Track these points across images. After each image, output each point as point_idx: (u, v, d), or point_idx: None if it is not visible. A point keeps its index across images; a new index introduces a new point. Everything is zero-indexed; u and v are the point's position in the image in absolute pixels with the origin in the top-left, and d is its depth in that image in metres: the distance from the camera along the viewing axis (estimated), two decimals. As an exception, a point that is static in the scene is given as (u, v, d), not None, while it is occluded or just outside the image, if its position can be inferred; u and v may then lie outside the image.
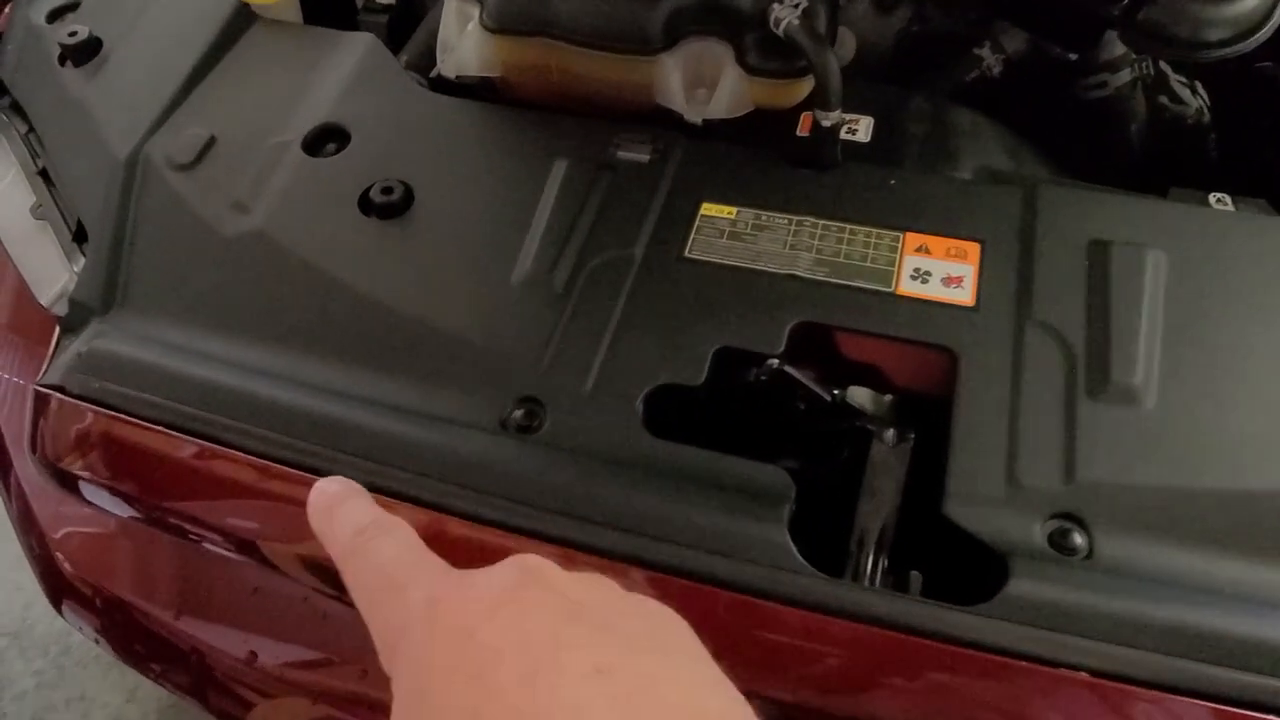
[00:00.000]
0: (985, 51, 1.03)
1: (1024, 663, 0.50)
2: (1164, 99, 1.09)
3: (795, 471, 0.62)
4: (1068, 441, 0.61)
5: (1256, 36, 0.83)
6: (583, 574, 0.34)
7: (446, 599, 0.32)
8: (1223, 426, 0.61)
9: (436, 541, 0.62)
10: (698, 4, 0.81)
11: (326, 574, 0.69)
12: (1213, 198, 0.79)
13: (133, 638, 0.91)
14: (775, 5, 0.78)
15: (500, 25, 0.84)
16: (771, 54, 0.80)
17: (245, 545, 0.71)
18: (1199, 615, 0.53)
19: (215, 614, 0.86)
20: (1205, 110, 1.09)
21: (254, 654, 0.85)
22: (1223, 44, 0.83)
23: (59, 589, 0.92)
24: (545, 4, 0.83)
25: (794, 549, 0.56)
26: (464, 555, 0.61)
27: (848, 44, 1.11)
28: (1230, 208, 0.78)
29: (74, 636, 1.54)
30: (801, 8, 0.78)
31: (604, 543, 0.57)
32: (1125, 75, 1.03)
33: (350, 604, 0.37)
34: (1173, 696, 0.50)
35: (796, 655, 0.54)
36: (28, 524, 0.94)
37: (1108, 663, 0.51)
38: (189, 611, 0.86)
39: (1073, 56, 1.02)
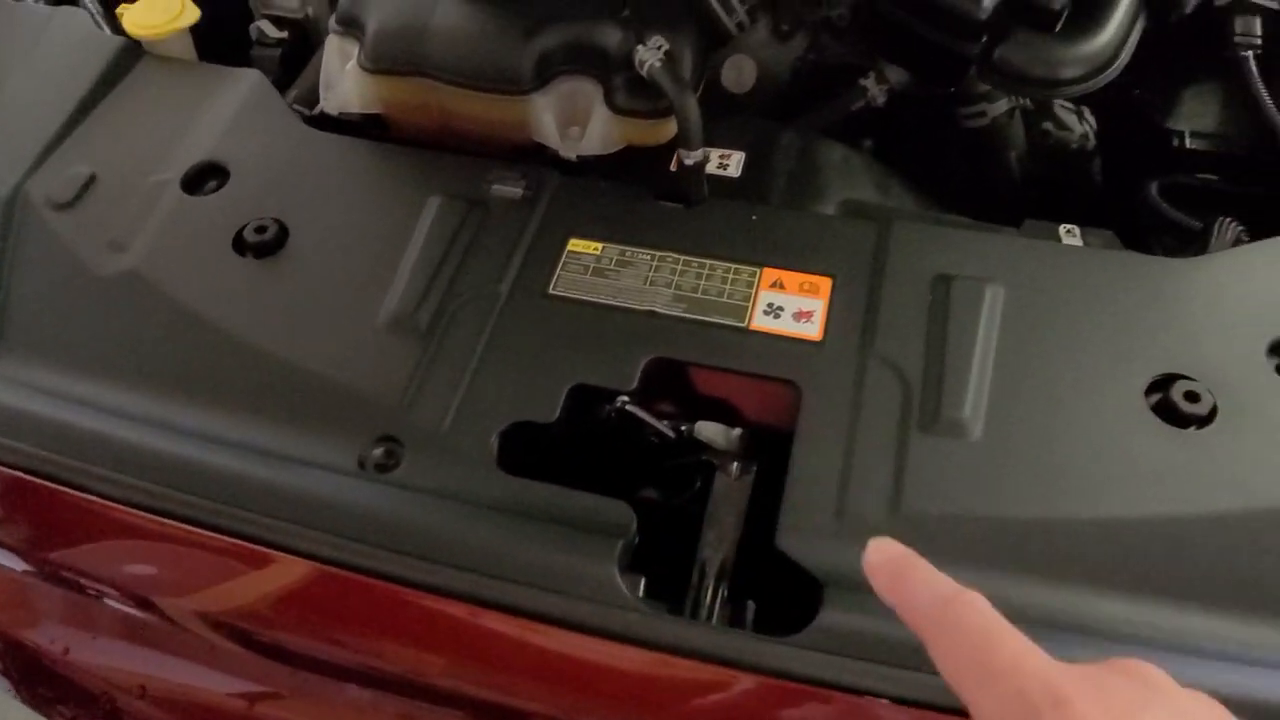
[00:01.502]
0: (870, 82, 1.06)
1: (829, 690, 0.53)
2: (1049, 125, 1.13)
3: (649, 505, 0.64)
4: (897, 474, 0.63)
5: (1107, 73, 0.87)
6: (1197, 694, 0.35)
7: (1075, 703, 0.32)
8: (1044, 457, 0.64)
9: (292, 586, 0.64)
10: (566, 45, 0.83)
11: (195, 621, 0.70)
12: (1063, 229, 0.83)
13: (35, 681, 0.91)
14: (639, 48, 0.81)
15: (377, 65, 0.86)
16: (638, 94, 0.83)
17: (120, 594, 0.72)
18: None
19: (102, 653, 0.86)
20: (1090, 136, 1.12)
21: (143, 688, 0.86)
22: (1076, 81, 0.87)
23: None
24: (420, 44, 0.84)
25: (620, 583, 0.58)
26: (317, 597, 0.64)
27: (747, 72, 1.14)
28: (1078, 240, 0.82)
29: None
30: (664, 50, 0.80)
31: (440, 581, 0.59)
32: (1002, 105, 1.06)
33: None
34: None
35: (616, 689, 0.56)
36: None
37: (910, 689, 0.53)
38: (93, 650, 0.87)
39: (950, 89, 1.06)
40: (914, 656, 0.54)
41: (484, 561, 0.60)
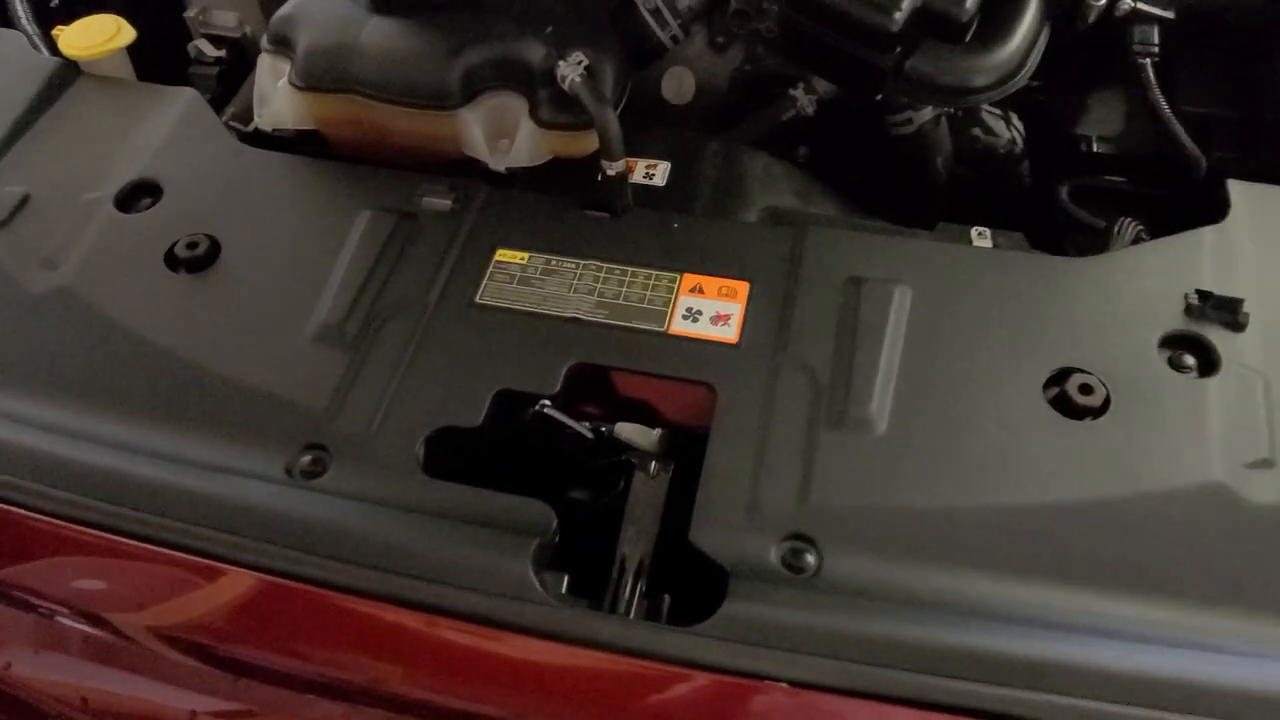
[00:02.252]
0: (799, 92, 1.10)
1: (728, 677, 0.55)
2: (976, 131, 1.16)
3: (574, 506, 0.66)
4: (805, 468, 0.66)
5: (1014, 81, 0.91)
6: None
7: None
8: (946, 450, 0.67)
9: (223, 592, 0.65)
10: (492, 61, 0.86)
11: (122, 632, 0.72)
12: (975, 231, 0.86)
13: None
14: (561, 63, 0.83)
15: (307, 82, 0.88)
16: (562, 108, 0.85)
17: (43, 605, 0.73)
18: (907, 626, 0.58)
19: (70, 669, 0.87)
20: (1018, 140, 1.16)
21: (85, 700, 0.86)
22: (985, 89, 0.90)
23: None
24: (350, 62, 0.87)
25: (533, 578, 0.60)
26: (246, 602, 0.65)
27: (687, 83, 1.17)
28: (988, 242, 0.85)
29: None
30: (584, 65, 0.83)
31: (362, 583, 0.61)
32: (928, 112, 1.10)
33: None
34: (864, 701, 0.55)
35: (526, 680, 0.58)
36: None
37: (809, 674, 0.55)
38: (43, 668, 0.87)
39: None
40: (810, 642, 0.57)
41: (405, 562, 0.62)
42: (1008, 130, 1.16)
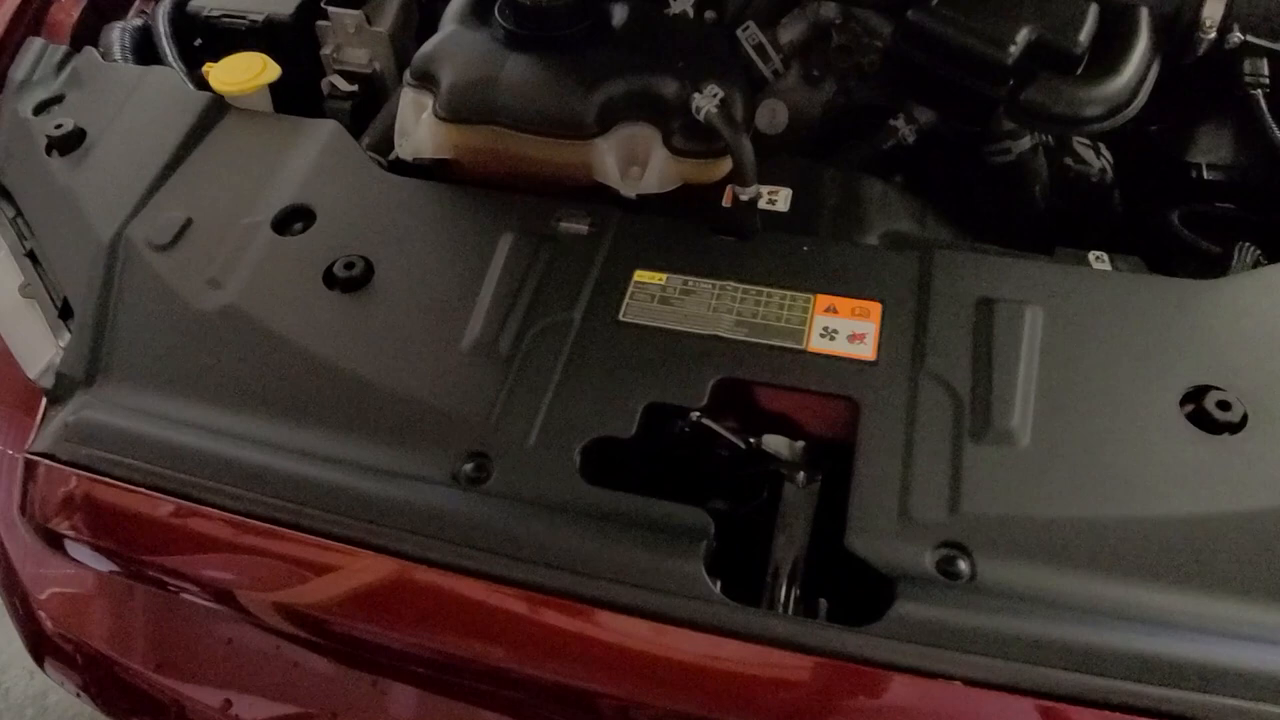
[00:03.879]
0: (900, 122, 1.14)
1: (906, 675, 0.58)
2: (1068, 160, 1.19)
3: (719, 512, 0.69)
4: (953, 479, 0.69)
5: (1127, 112, 0.94)
6: None
7: None
8: (1088, 462, 0.69)
9: (396, 586, 0.69)
10: (627, 94, 0.90)
11: (299, 621, 0.76)
12: (1092, 256, 0.89)
13: (113, 692, 0.96)
14: (696, 95, 0.88)
15: (452, 115, 0.93)
16: (694, 137, 0.90)
17: (222, 596, 0.77)
18: (1065, 629, 0.61)
19: (192, 667, 0.91)
20: (1108, 169, 1.19)
21: (228, 702, 0.91)
22: (1097, 119, 0.94)
23: (40, 647, 0.98)
24: (492, 95, 0.92)
25: (707, 579, 0.63)
26: (422, 598, 0.69)
27: (780, 114, 1.21)
28: (1107, 265, 0.88)
29: (50, 697, 1.57)
30: (719, 97, 0.87)
31: (540, 580, 0.64)
32: (1026, 142, 1.13)
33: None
34: (1033, 700, 0.57)
35: (706, 676, 0.61)
36: (11, 585, 0.99)
37: (981, 673, 0.58)
38: (167, 665, 0.92)
39: (976, 128, 1.13)
40: (978, 643, 0.59)
41: (578, 561, 0.65)
42: (1098, 159, 1.19)
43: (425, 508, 0.71)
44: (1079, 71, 0.94)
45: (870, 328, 0.79)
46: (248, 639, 0.88)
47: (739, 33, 1.13)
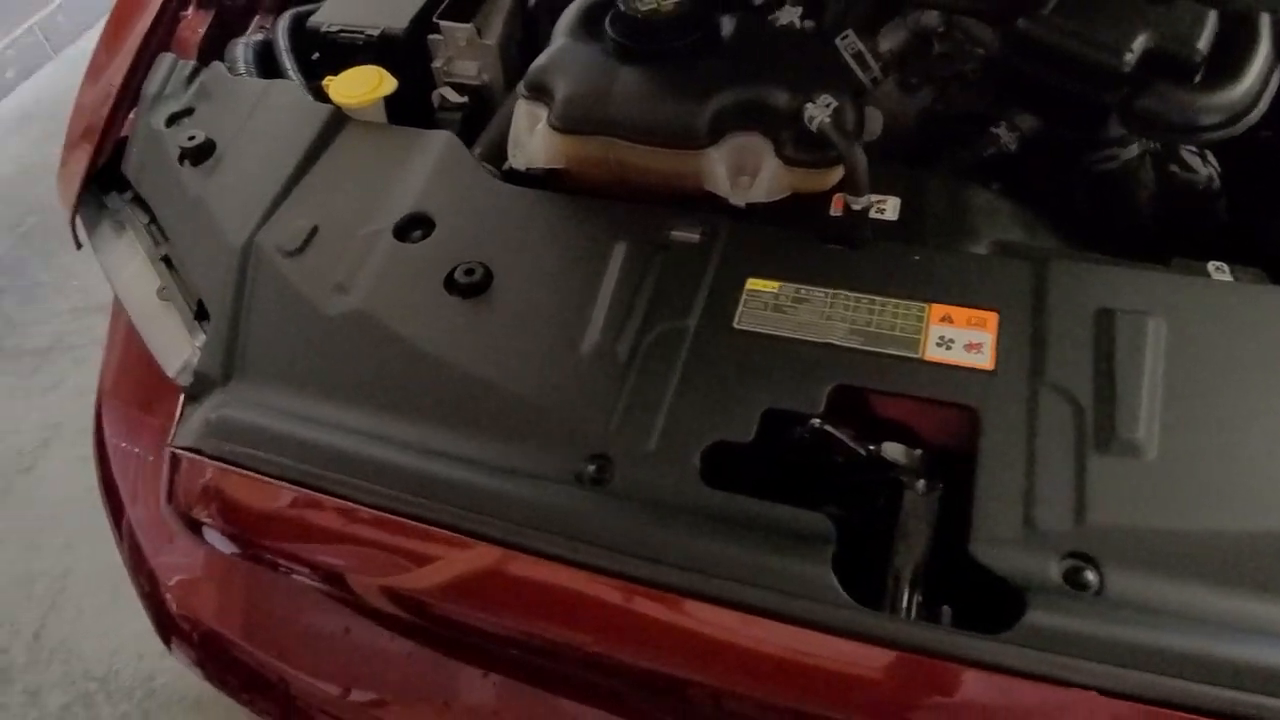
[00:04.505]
0: (1001, 130, 1.13)
1: (1040, 683, 0.58)
2: (1175, 168, 1.17)
3: (836, 518, 0.70)
4: (1078, 489, 0.69)
5: (1246, 120, 0.92)
6: None
7: None
8: (1218, 475, 0.69)
9: (520, 581, 0.72)
10: (739, 104, 0.92)
11: (422, 612, 0.79)
12: (1212, 266, 0.88)
13: (230, 671, 1.01)
14: (809, 105, 0.89)
15: (566, 126, 0.96)
16: (806, 146, 0.91)
17: (349, 585, 0.81)
18: (1198, 642, 0.60)
19: (308, 652, 0.95)
20: (1215, 178, 1.16)
21: (347, 690, 0.94)
22: (1215, 128, 0.92)
23: (167, 628, 1.03)
24: (605, 107, 0.94)
25: (837, 585, 0.64)
26: (543, 594, 0.71)
27: (875, 121, 1.21)
28: (1228, 276, 0.86)
29: (157, 681, 1.64)
30: (832, 108, 0.88)
31: (670, 580, 0.66)
32: (1133, 149, 1.11)
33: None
34: (1171, 713, 0.57)
35: (838, 680, 0.62)
36: (139, 567, 1.05)
37: (1115, 683, 0.58)
38: (282, 648, 0.96)
39: (1081, 135, 1.11)
40: (1116, 655, 0.59)
41: (704, 562, 0.67)
42: (1204, 167, 1.17)
43: (549, 506, 0.73)
44: (1197, 79, 0.92)
45: (987, 337, 0.79)
46: (363, 630, 0.92)
47: (838, 41, 1.13)
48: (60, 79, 3.20)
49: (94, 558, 1.79)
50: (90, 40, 2.39)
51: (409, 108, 1.17)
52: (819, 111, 0.88)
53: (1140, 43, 0.92)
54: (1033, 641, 0.60)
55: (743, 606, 0.65)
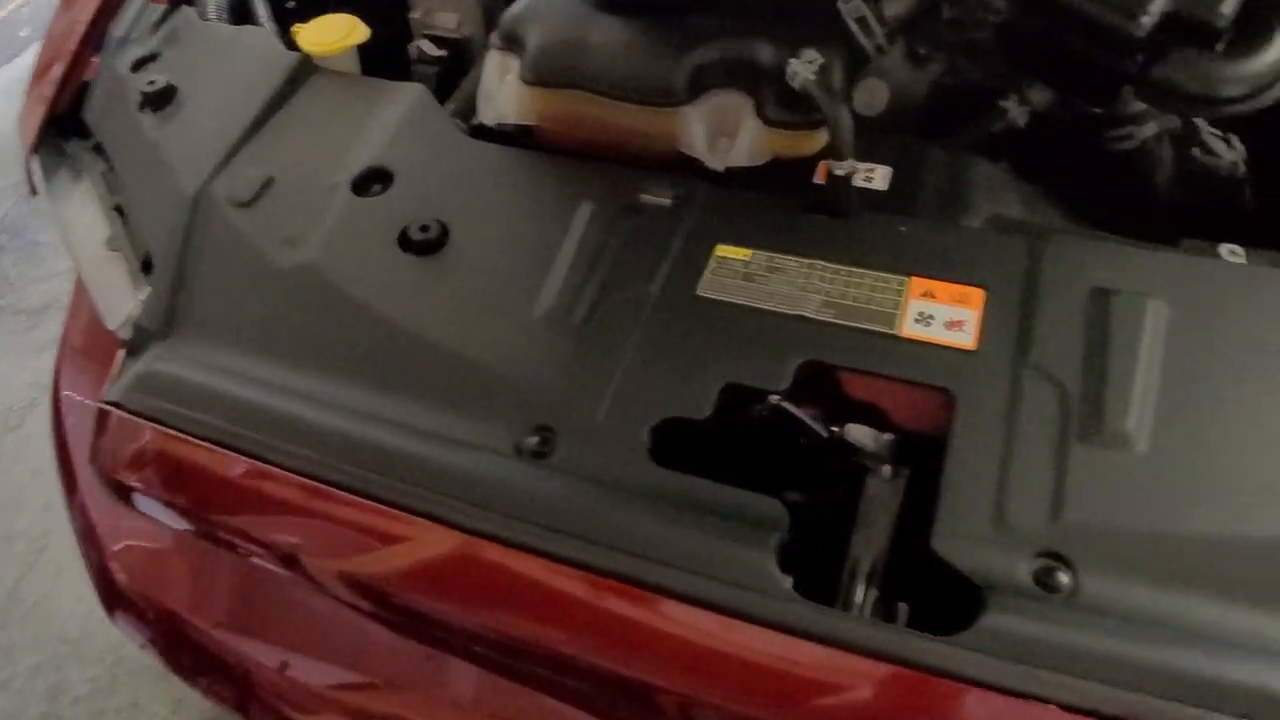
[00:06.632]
0: (1011, 104, 1.06)
1: (993, 692, 0.52)
2: (1196, 151, 1.09)
3: (797, 504, 0.65)
4: (1057, 482, 0.62)
5: (1271, 92, 0.85)
6: None
7: None
8: (1213, 473, 0.62)
9: (451, 558, 0.67)
10: (719, 59, 0.86)
11: (363, 590, 0.74)
12: (1225, 249, 0.81)
13: (179, 649, 0.97)
14: (792, 61, 0.82)
15: (537, 78, 0.90)
16: (789, 107, 0.85)
17: (280, 556, 0.76)
18: (1175, 655, 0.54)
19: (258, 629, 0.91)
20: (1240, 163, 1.09)
21: (285, 664, 0.90)
22: (1237, 100, 0.85)
23: (112, 598, 0.99)
24: (579, 58, 0.88)
25: (779, 575, 0.58)
26: (475, 572, 0.66)
27: (881, 94, 1.14)
28: (1241, 259, 0.79)
29: (128, 647, 1.61)
30: (818, 64, 0.82)
31: (599, 562, 0.61)
32: (1151, 128, 1.04)
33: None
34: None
35: (772, 676, 0.56)
36: (87, 536, 1.01)
37: (1076, 696, 0.52)
38: (234, 625, 0.92)
39: (1096, 110, 1.04)
40: (1075, 664, 0.53)
41: (639, 545, 0.62)
42: (1229, 151, 1.09)
43: (486, 478, 0.68)
44: (1220, 47, 0.85)
45: (971, 315, 0.73)
46: (309, 602, 0.87)
47: (841, 4, 1.07)
48: (74, 39, 3.18)
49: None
50: None
51: (388, 60, 1.11)
52: (803, 68, 0.82)
53: (1159, 5, 0.85)
54: (988, 646, 0.54)
55: (676, 594, 0.59)
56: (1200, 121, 1.09)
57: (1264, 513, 0.60)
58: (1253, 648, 0.55)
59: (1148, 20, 0.84)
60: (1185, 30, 0.84)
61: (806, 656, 0.55)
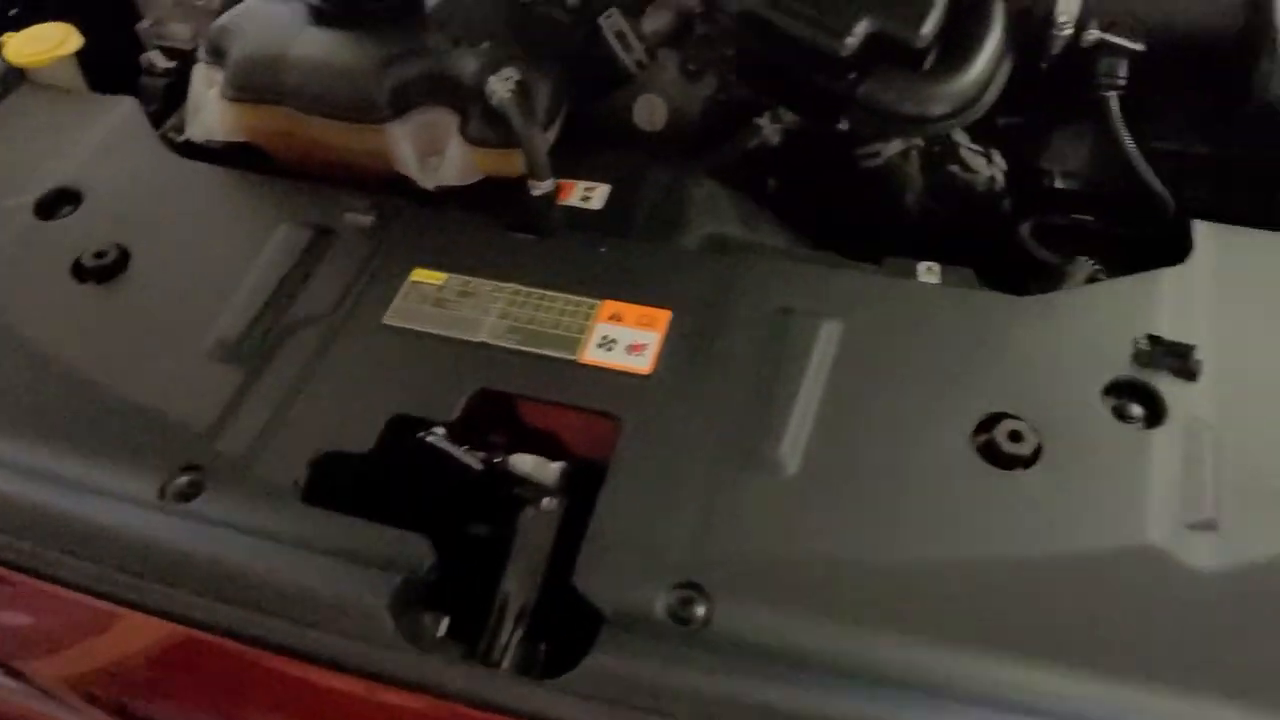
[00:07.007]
0: (764, 121, 1.06)
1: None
2: (955, 168, 1.12)
3: (462, 539, 0.62)
4: (706, 510, 0.61)
5: (973, 110, 0.86)
6: None
7: None
8: (860, 497, 0.62)
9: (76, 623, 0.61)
10: (422, 76, 0.83)
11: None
12: (923, 266, 0.82)
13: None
14: (491, 78, 0.80)
15: (237, 93, 0.85)
16: (491, 125, 0.82)
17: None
18: (795, 693, 0.53)
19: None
20: (999, 178, 1.11)
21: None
22: (942, 118, 0.86)
23: None
24: (279, 73, 0.84)
25: (388, 617, 0.55)
26: (106, 643, 0.61)
27: (658, 110, 1.13)
28: (937, 278, 0.80)
29: None
30: (515, 81, 0.80)
31: (209, 617, 0.57)
32: (895, 145, 1.05)
33: None
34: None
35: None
36: None
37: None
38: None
39: (842, 127, 1.05)
40: (682, 703, 0.51)
41: (264, 597, 0.58)
42: (988, 167, 1.11)
43: (120, 530, 0.62)
44: (926, 67, 0.86)
45: (653, 338, 0.72)
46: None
47: (601, 20, 1.05)
48: None
49: None
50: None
51: (122, 74, 1.05)
52: (500, 85, 0.79)
53: (864, 26, 0.85)
54: (587, 687, 0.51)
55: (290, 650, 0.55)
56: (960, 138, 1.12)
57: (904, 536, 0.60)
58: (887, 681, 0.54)
59: (852, 41, 0.85)
60: (889, 50, 0.85)
61: (410, 707, 0.52)
